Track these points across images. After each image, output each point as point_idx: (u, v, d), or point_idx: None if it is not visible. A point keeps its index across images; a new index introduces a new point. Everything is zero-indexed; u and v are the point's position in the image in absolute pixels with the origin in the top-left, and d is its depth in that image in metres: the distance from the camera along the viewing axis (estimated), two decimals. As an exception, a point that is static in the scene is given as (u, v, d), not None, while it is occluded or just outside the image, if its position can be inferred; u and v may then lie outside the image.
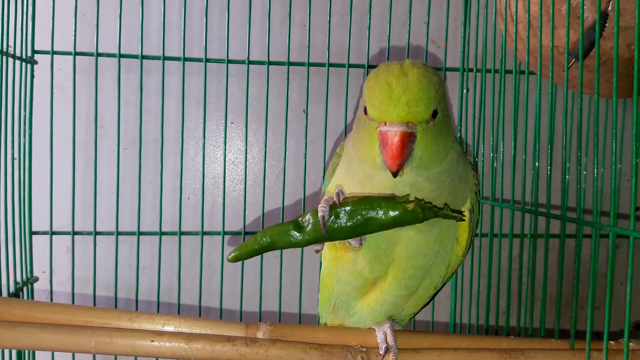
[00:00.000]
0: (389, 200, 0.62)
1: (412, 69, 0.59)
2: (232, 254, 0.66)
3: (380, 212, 0.61)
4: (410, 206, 0.61)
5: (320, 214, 0.63)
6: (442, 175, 0.64)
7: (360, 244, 0.67)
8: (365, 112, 0.61)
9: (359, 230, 0.63)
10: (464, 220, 0.66)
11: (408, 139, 0.58)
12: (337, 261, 0.71)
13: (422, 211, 0.61)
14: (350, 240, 0.67)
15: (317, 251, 0.72)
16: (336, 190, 0.64)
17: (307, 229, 0.64)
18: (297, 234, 0.64)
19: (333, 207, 0.63)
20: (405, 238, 0.66)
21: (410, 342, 0.74)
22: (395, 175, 0.60)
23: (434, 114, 0.60)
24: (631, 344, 0.73)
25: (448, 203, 0.65)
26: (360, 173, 0.66)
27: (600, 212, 1.05)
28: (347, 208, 0.63)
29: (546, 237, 0.83)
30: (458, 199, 0.68)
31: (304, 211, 1.06)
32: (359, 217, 0.62)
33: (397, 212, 0.61)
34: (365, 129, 0.62)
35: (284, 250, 1.10)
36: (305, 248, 1.09)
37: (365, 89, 0.61)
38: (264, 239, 0.65)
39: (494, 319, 1.13)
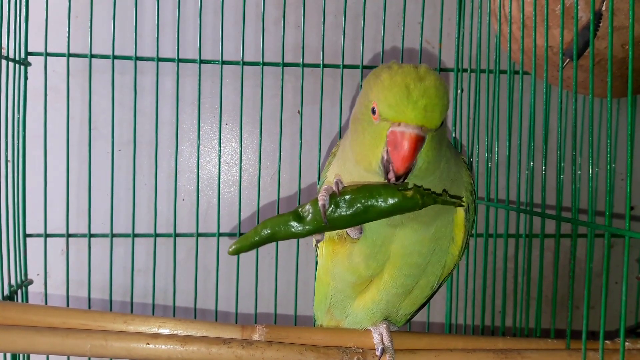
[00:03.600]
0: (388, 187, 0.61)
1: (428, 74, 0.58)
2: (233, 247, 0.65)
3: (380, 200, 0.61)
4: (410, 193, 0.61)
5: (320, 202, 0.62)
6: (434, 180, 0.64)
7: (360, 233, 0.67)
8: (373, 112, 0.59)
9: (359, 218, 0.62)
10: (463, 205, 0.66)
11: (421, 143, 0.57)
12: (333, 256, 0.71)
13: (421, 197, 0.61)
14: (349, 231, 0.67)
15: (318, 241, 0.71)
16: (335, 180, 0.64)
17: (308, 218, 0.63)
18: (298, 225, 0.63)
19: (333, 196, 0.63)
20: (401, 235, 0.66)
21: (407, 343, 0.74)
22: (397, 180, 0.59)
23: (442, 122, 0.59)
24: (627, 343, 0.74)
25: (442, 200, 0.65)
26: (355, 174, 0.66)
27: (595, 212, 1.05)
28: (347, 197, 0.62)
29: (541, 237, 0.83)
30: None
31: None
32: (358, 205, 0.62)
33: (396, 199, 0.61)
34: (369, 129, 0.61)
35: (279, 252, 1.10)
36: (301, 250, 1.09)
37: (378, 88, 0.59)
38: (264, 231, 0.64)
39: (489, 319, 1.13)
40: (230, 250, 0.65)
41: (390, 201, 0.61)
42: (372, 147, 0.60)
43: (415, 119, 0.57)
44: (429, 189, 0.63)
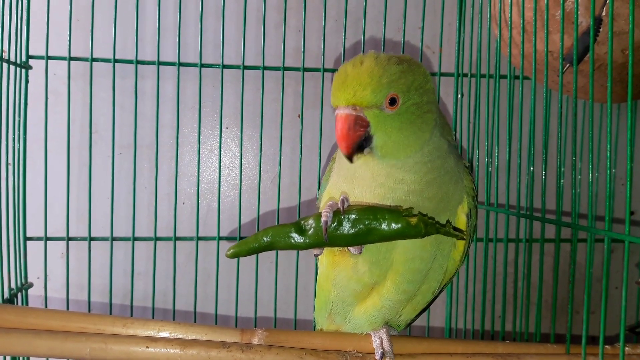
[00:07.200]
0: (393, 212, 0.62)
1: (370, 58, 0.62)
2: (231, 250, 0.65)
3: (384, 224, 0.62)
4: (414, 220, 0.61)
5: (323, 219, 0.63)
6: (419, 167, 0.65)
7: (360, 252, 0.67)
8: None
9: (361, 239, 0.63)
10: (464, 239, 0.66)
11: (354, 122, 0.60)
12: (334, 266, 0.71)
13: (424, 226, 0.61)
14: (349, 247, 0.67)
15: (316, 255, 0.72)
16: (341, 197, 0.65)
17: (309, 232, 0.64)
18: (298, 237, 0.64)
19: (337, 214, 0.63)
20: (403, 241, 0.66)
21: (406, 347, 0.74)
22: (349, 160, 0.62)
23: (392, 101, 0.61)
24: (627, 348, 0.74)
25: (439, 199, 0.66)
26: (346, 169, 0.67)
27: (595, 217, 1.05)
28: (351, 216, 0.63)
29: (541, 242, 0.83)
30: (451, 200, 0.68)
31: (299, 216, 1.06)
32: (361, 226, 0.62)
33: (399, 225, 0.61)
34: None
35: (279, 256, 1.10)
36: (301, 254, 1.09)
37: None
38: (265, 238, 0.65)
39: (489, 323, 1.13)
40: (228, 253, 0.65)
41: (394, 226, 0.62)
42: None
43: (345, 100, 0.61)
44: (433, 218, 0.63)
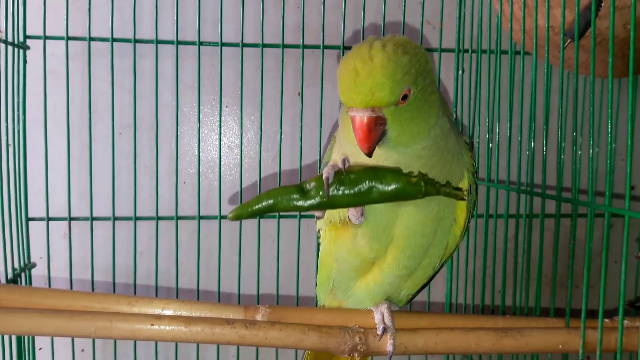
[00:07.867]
0: (394, 171, 0.63)
1: (379, 52, 0.59)
2: (234, 212, 0.65)
3: (384, 182, 0.62)
4: (414, 179, 0.62)
5: (325, 175, 0.63)
6: (426, 151, 0.65)
7: (362, 217, 0.67)
8: None
9: (361, 198, 0.63)
10: (465, 199, 0.66)
11: (374, 123, 0.60)
12: (336, 240, 0.72)
13: (424, 185, 0.62)
14: (351, 215, 0.68)
15: (318, 218, 0.72)
16: (342, 157, 0.65)
17: (310, 193, 0.64)
18: (300, 197, 0.64)
19: (338, 173, 0.63)
20: (404, 216, 0.67)
21: (408, 322, 0.75)
22: (369, 155, 0.62)
23: (405, 95, 0.60)
24: (625, 321, 0.74)
25: (441, 178, 0.66)
26: (348, 151, 0.67)
27: (595, 192, 1.05)
28: (352, 176, 0.63)
29: (541, 217, 0.83)
30: (453, 177, 0.68)
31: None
32: (362, 185, 0.63)
33: (400, 184, 0.62)
34: (343, 110, 0.65)
35: (280, 234, 1.10)
36: (303, 231, 1.10)
37: (338, 75, 0.62)
38: (266, 200, 0.65)
39: (489, 298, 1.14)
40: (230, 215, 0.65)
41: (394, 185, 0.62)
42: (349, 126, 0.62)
43: (363, 102, 0.59)
44: (433, 179, 0.63)
